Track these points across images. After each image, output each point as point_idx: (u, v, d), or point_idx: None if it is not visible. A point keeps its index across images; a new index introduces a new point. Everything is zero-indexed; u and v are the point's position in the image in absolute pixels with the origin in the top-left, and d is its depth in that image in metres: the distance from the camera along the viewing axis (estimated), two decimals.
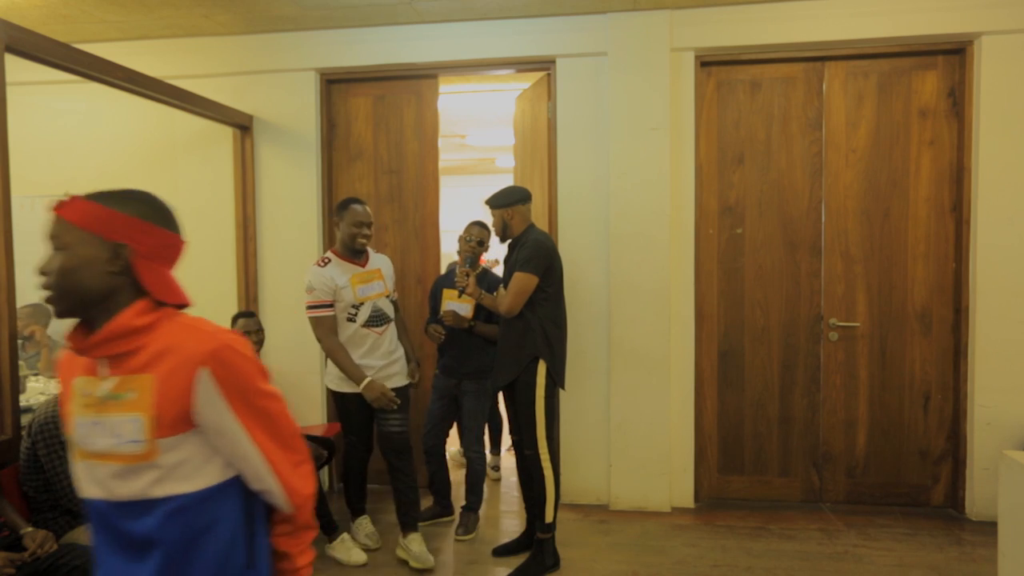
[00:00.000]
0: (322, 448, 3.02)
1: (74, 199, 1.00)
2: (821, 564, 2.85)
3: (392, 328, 2.93)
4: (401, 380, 2.92)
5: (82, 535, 2.20)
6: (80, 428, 1.02)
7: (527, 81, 4.13)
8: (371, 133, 3.74)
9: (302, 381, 3.65)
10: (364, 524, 3.11)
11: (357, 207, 2.82)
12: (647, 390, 3.42)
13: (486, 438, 3.88)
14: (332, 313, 2.78)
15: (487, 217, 2.97)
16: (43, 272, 1.00)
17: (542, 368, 2.70)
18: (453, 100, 5.06)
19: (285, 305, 3.63)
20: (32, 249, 1.64)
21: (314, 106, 3.63)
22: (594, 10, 3.38)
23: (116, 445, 0.99)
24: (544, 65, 3.55)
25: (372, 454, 3.05)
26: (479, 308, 3.11)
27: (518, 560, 2.86)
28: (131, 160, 3.74)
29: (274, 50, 3.62)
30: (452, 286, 3.09)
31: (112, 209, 1.00)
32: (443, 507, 3.37)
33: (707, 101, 3.50)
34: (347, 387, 2.84)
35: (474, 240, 3.09)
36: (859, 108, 3.40)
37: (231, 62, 3.64)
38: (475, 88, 4.65)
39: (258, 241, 3.68)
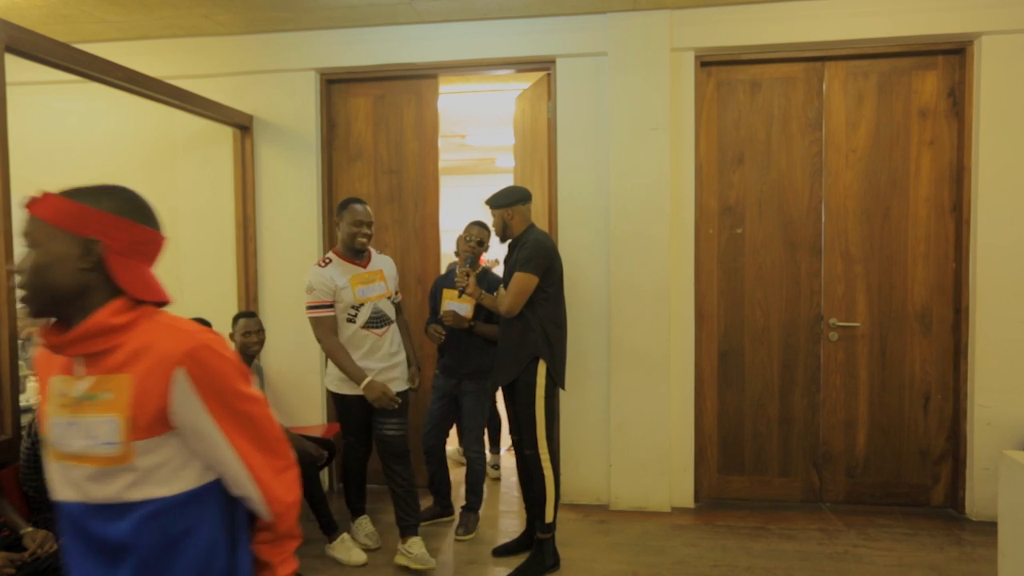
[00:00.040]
0: (322, 449, 3.03)
1: (46, 196, 0.98)
2: (821, 564, 2.85)
3: (393, 330, 2.90)
4: (401, 384, 2.90)
5: None
6: (55, 428, 1.00)
7: (527, 81, 4.13)
8: (371, 133, 3.74)
9: (302, 381, 3.66)
10: (364, 524, 3.11)
11: (357, 207, 2.81)
12: (647, 390, 3.42)
13: (485, 437, 3.88)
14: (332, 313, 2.77)
15: (487, 217, 2.96)
16: (17, 271, 0.98)
17: (542, 368, 2.70)
18: (453, 100, 5.06)
19: (285, 305, 3.63)
20: None
21: (314, 106, 3.63)
22: (594, 10, 3.38)
23: (91, 447, 0.97)
24: (544, 65, 3.55)
25: (371, 454, 3.05)
26: (479, 308, 3.11)
27: (518, 560, 2.86)
28: (131, 160, 3.74)
29: (274, 50, 3.62)
30: (452, 286, 3.09)
31: (84, 205, 0.98)
32: (443, 507, 3.37)
33: (707, 101, 3.50)
34: (347, 389, 2.83)
35: (474, 240, 3.09)
36: (859, 108, 3.41)
37: (231, 62, 3.64)
38: (475, 88, 4.65)
39: (258, 241, 3.68)
